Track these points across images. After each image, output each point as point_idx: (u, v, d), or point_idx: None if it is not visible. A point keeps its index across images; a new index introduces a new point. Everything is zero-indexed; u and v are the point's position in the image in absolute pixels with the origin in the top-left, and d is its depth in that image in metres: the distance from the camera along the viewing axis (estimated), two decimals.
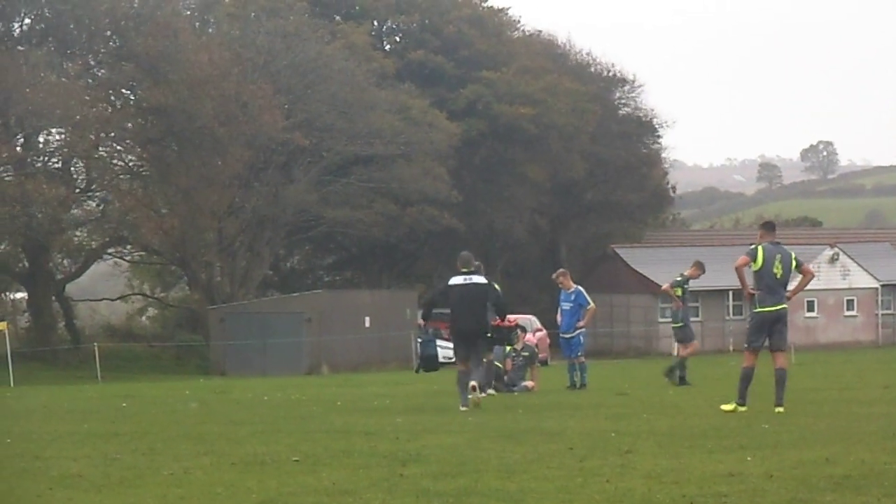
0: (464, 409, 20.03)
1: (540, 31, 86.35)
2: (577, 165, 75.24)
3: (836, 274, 70.94)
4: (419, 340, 24.66)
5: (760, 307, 18.40)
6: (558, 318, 27.51)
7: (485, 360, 22.42)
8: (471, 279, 20.55)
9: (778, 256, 18.32)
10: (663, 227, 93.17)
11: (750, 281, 18.57)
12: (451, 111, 69.79)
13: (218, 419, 19.63)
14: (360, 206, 65.48)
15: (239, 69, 59.91)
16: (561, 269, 28.78)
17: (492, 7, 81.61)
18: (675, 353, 28.46)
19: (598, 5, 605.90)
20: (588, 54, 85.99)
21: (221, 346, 56.84)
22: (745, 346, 18.69)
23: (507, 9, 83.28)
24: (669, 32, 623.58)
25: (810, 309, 70.19)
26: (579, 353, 27.06)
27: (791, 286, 18.66)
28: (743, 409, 18.27)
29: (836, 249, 71.26)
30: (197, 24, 66.33)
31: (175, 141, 60.40)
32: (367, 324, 58.07)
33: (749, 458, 12.23)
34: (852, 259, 71.47)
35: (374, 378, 41.22)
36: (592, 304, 27.41)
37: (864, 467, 11.46)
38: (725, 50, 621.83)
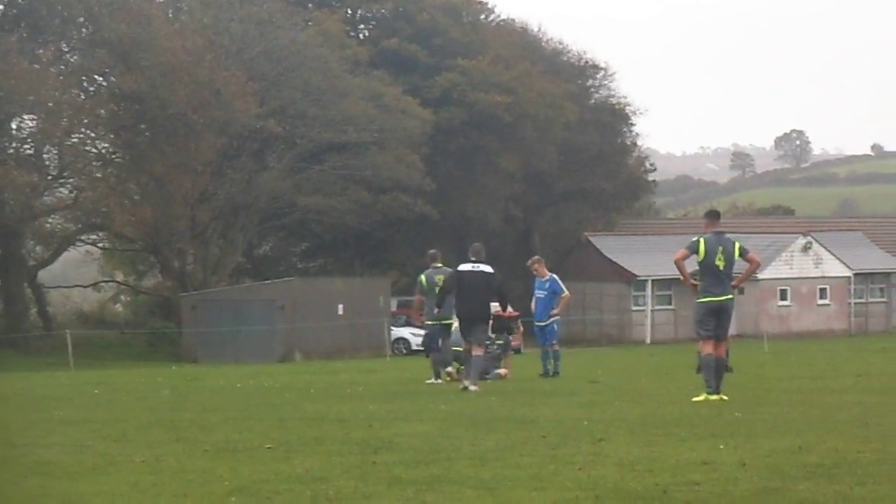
0: (474, 388, 21.55)
1: (514, 20, 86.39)
2: (550, 154, 75.22)
3: (808, 262, 71.11)
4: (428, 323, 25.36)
5: (704, 297, 18.49)
6: (533, 305, 27.53)
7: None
8: (478, 267, 22.46)
9: (720, 249, 18.33)
10: (638, 215, 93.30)
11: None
12: (425, 99, 69.67)
13: (190, 406, 19.57)
14: (333, 194, 65.36)
15: (212, 56, 59.73)
16: (536, 257, 28.75)
17: None
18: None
19: None
20: (560, 42, 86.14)
21: (194, 333, 56.73)
22: (698, 335, 18.78)
23: None
24: (643, 22, 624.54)
25: (783, 297, 70.36)
26: (553, 341, 27.09)
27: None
28: (713, 398, 18.31)
29: (809, 238, 71.42)
30: (170, 10, 66.20)
31: (148, 128, 60.31)
32: (340, 311, 58.05)
33: (722, 447, 12.24)
34: (825, 248, 71.61)
35: (346, 365, 41.19)
36: (566, 292, 27.43)
37: (837, 455, 11.48)
38: (699, 39, 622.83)
